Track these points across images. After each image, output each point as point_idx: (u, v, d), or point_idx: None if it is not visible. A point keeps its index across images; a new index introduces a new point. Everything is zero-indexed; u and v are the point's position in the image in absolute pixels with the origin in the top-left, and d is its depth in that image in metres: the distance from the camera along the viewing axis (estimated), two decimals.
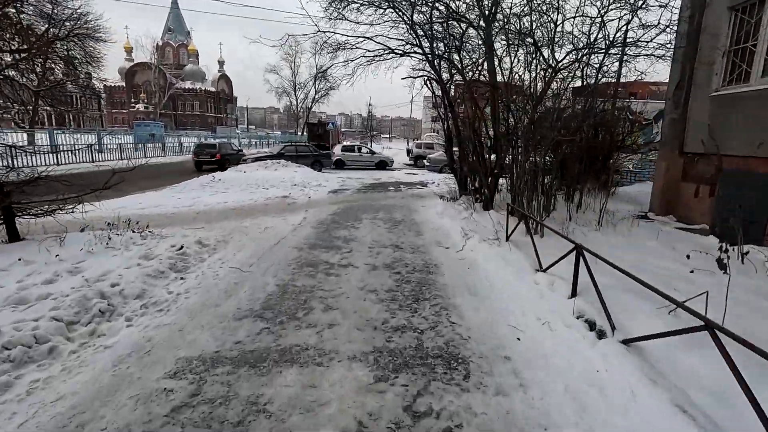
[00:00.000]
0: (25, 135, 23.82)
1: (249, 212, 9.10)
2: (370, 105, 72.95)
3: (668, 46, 7.33)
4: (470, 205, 8.48)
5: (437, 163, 20.98)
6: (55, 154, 17.97)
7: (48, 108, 31.98)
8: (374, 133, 74.37)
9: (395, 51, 8.78)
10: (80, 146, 19.54)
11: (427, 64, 9.96)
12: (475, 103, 8.21)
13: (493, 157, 8.70)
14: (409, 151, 28.10)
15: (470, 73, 8.59)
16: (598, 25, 6.94)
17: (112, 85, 72.09)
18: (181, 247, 5.48)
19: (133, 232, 6.06)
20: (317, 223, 7.91)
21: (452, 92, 10.31)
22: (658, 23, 6.79)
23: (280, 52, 63.23)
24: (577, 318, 3.43)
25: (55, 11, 25.12)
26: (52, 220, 5.71)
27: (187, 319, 3.65)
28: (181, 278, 4.70)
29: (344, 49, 8.95)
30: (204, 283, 4.57)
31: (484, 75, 9.16)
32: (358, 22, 8.85)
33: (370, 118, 73.38)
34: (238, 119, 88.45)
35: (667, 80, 7.86)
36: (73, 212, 5.90)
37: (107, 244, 5.36)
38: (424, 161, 23.45)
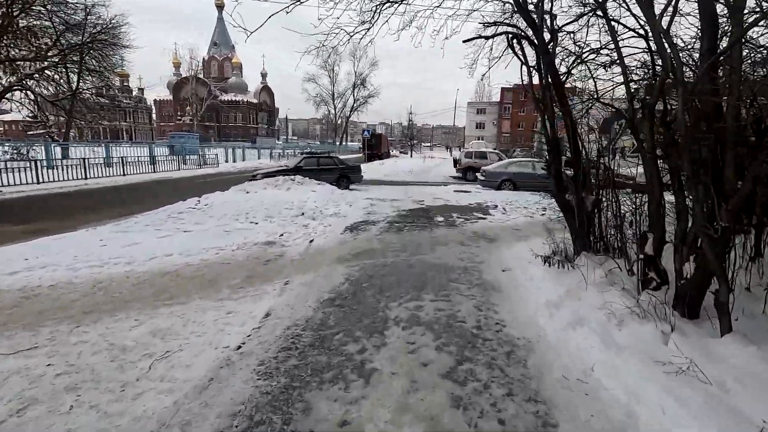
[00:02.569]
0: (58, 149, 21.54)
1: (180, 288, 4.78)
2: (410, 113, 68.30)
3: None
4: (632, 296, 3.62)
5: (494, 177, 16.02)
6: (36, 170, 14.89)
7: (80, 121, 30.16)
8: (414, 141, 69.85)
9: None
10: (72, 161, 16.47)
11: (516, 13, 5.30)
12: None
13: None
14: (456, 162, 23.21)
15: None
16: None
17: (161, 99, 72.90)
18: None
19: None
20: (286, 339, 3.39)
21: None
22: None
23: (318, 61, 60.63)
24: None
25: (74, 18, 23.04)
26: None
27: None
28: None
29: None
30: None
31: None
32: None
33: (410, 127, 68.89)
34: (280, 129, 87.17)
35: None
36: None
37: None
38: (477, 174, 18.54)
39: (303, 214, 9.55)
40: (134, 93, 77.38)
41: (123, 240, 6.83)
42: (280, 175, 14.05)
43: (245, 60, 78.01)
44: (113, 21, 24.59)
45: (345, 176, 15.74)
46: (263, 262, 5.82)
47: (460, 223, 8.92)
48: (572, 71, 5.60)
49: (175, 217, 8.70)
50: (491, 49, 7.16)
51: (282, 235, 7.25)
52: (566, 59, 5.88)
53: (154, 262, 5.73)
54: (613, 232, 4.87)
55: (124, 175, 18.18)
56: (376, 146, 40.83)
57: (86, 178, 16.21)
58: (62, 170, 15.77)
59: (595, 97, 5.36)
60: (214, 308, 4.16)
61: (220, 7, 76.01)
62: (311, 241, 7.05)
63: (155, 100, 73.94)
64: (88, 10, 23.46)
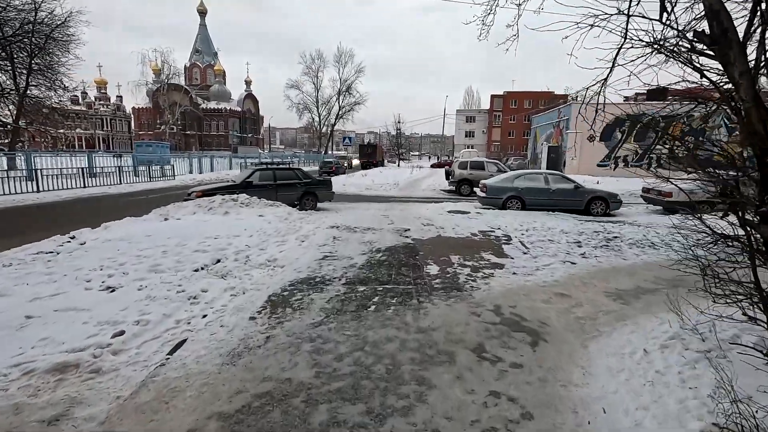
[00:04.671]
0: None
1: None
2: (399, 122, 64.91)
3: None
4: None
5: (498, 194, 12.50)
6: None
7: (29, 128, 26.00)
8: (403, 150, 66.57)
9: None
10: None
11: None
12: None
13: None
14: (448, 174, 19.74)
15: None
16: None
17: (140, 107, 68.55)
18: None
19: None
20: None
21: None
22: None
23: (302, 66, 56.98)
24: None
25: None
26: None
27: None
28: None
29: None
30: None
31: None
32: None
33: (398, 135, 65.57)
34: (264, 139, 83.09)
35: None
36: None
37: None
38: (475, 189, 15.12)
39: (218, 261, 5.90)
40: (113, 100, 73.19)
41: None
42: (219, 193, 10.37)
43: (230, 68, 74.17)
44: (69, 18, 20.80)
45: (311, 193, 12.11)
46: None
47: (467, 281, 5.34)
48: None
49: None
50: None
51: (121, 333, 3.55)
52: None
53: None
54: None
55: (38, 191, 14.26)
56: (372, 155, 44.03)
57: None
58: None
59: None
60: None
61: (202, 13, 72.45)
62: (174, 348, 3.37)
63: (134, 108, 69.59)
64: (36, 5, 19.70)
